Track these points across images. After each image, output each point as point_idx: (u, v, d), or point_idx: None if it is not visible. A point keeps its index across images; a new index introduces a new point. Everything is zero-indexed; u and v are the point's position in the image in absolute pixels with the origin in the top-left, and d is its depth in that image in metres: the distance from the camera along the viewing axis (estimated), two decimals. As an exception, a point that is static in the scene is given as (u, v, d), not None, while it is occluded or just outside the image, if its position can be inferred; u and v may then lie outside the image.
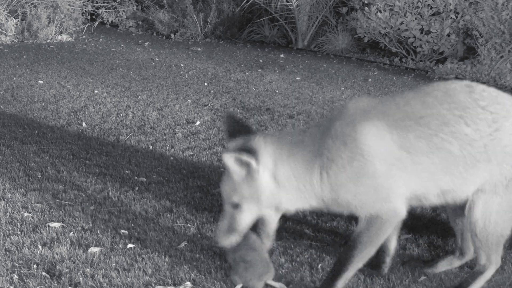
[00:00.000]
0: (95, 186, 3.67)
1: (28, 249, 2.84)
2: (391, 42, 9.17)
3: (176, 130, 4.96)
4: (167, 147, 4.52)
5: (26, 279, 2.58)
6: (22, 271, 2.65)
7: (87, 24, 10.55)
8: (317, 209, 2.63)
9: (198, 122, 5.20)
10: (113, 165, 4.05)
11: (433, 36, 8.68)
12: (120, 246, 2.93)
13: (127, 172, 3.94)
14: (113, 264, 2.75)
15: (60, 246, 2.87)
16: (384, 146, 2.39)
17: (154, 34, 10.84)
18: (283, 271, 2.78)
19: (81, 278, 2.61)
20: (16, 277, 2.60)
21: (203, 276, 2.67)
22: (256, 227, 2.68)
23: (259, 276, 2.58)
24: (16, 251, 2.82)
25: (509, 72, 7.35)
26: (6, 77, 6.62)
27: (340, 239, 3.13)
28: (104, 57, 8.28)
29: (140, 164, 4.11)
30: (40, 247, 2.86)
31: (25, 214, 3.22)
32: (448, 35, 8.62)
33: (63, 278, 2.61)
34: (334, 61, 9.07)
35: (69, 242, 2.93)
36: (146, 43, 9.79)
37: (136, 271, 2.69)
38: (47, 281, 2.58)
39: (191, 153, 4.42)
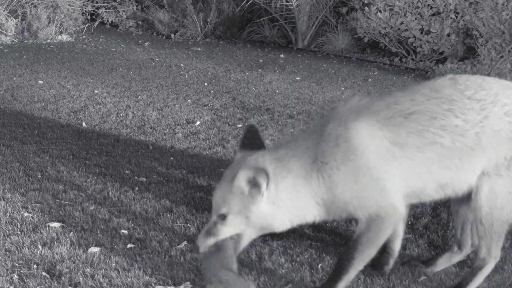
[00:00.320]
0: (95, 186, 3.67)
1: (28, 249, 2.84)
2: (391, 42, 9.17)
3: (176, 130, 4.96)
4: (167, 147, 4.52)
5: (26, 279, 2.58)
6: (22, 271, 2.65)
7: (87, 24, 10.55)
8: (317, 221, 2.60)
9: (198, 122, 5.20)
10: (113, 165, 4.05)
11: (433, 36, 8.68)
12: (120, 246, 2.93)
13: (127, 172, 3.94)
14: (113, 264, 2.75)
15: (60, 246, 2.87)
16: (377, 143, 2.41)
17: (154, 34, 10.84)
18: (283, 271, 2.78)
19: (81, 278, 2.61)
20: (16, 277, 2.60)
21: (202, 276, 2.67)
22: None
23: None
24: (16, 251, 2.82)
25: (509, 72, 7.35)
26: (6, 77, 6.62)
27: (340, 239, 3.13)
28: (104, 57, 8.28)
29: (140, 164, 4.11)
30: (40, 247, 2.86)
31: (25, 214, 3.22)
32: (448, 35, 8.62)
33: (63, 278, 2.61)
34: (334, 61, 9.08)
35: (69, 242, 2.93)
36: (146, 43, 9.79)
37: (136, 271, 2.69)
38: (47, 281, 2.58)
39: (191, 153, 4.42)
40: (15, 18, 9.39)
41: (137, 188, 3.66)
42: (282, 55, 9.27)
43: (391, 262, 2.80)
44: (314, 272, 2.78)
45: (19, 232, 3.01)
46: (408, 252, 3.04)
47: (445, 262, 2.85)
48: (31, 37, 9.34)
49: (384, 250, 2.75)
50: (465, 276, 2.66)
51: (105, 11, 11.09)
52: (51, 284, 2.57)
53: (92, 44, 9.41)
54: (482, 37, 8.06)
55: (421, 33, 8.76)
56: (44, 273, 2.63)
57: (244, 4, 10.15)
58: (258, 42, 10.52)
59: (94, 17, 11.04)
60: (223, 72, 7.62)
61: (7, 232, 3.01)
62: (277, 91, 6.59)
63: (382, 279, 2.73)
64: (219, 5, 10.53)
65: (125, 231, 3.08)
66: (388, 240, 2.70)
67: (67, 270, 2.67)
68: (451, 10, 8.50)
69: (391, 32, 8.97)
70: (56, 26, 9.61)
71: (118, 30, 11.07)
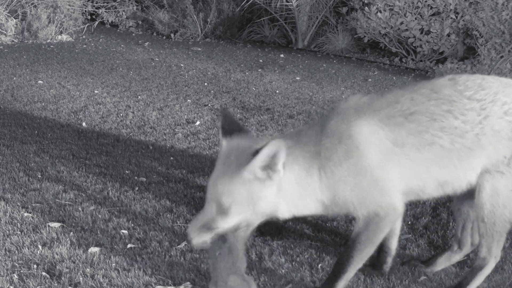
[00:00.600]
0: (95, 186, 3.67)
1: (28, 249, 2.84)
2: (391, 42, 9.17)
3: (176, 130, 4.96)
4: (167, 147, 4.52)
5: (26, 279, 2.58)
6: (22, 271, 2.65)
7: (87, 24, 10.55)
8: (315, 215, 2.59)
9: (198, 122, 5.20)
10: (113, 165, 4.06)
11: (433, 36, 8.68)
12: (120, 246, 2.93)
13: (127, 172, 3.94)
14: (113, 264, 2.75)
15: (60, 246, 2.87)
16: (378, 142, 2.41)
17: (154, 34, 10.84)
18: (283, 271, 2.78)
19: (81, 278, 2.61)
20: (16, 277, 2.60)
21: (203, 276, 2.67)
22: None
23: None
24: (16, 251, 2.82)
25: (509, 72, 7.35)
26: (6, 77, 6.62)
27: (340, 239, 3.14)
28: (104, 57, 8.28)
29: (140, 164, 4.11)
30: (40, 247, 2.86)
31: (25, 214, 3.22)
32: (448, 35, 8.62)
33: (63, 278, 2.60)
34: (334, 61, 9.08)
35: (69, 242, 2.93)
36: (146, 43, 9.79)
37: (136, 271, 2.69)
38: (47, 281, 2.58)
39: (191, 153, 4.42)
40: (15, 18, 9.39)
41: (137, 188, 3.66)
42: (282, 55, 9.27)
43: (390, 260, 2.80)
44: (314, 272, 2.78)
45: (19, 232, 3.01)
46: (408, 252, 3.04)
47: (445, 262, 2.85)
48: (31, 37, 9.34)
49: (382, 249, 2.75)
50: (465, 276, 2.66)
51: (105, 11, 11.09)
52: (51, 284, 2.57)
53: (92, 44, 9.42)
54: (482, 37, 8.06)
55: (421, 33, 8.77)
56: (44, 273, 2.63)
57: (244, 4, 10.15)
58: (258, 42, 10.52)
59: (94, 17, 11.04)
60: (223, 72, 7.62)
61: (7, 232, 3.01)
62: (277, 91, 6.59)
63: (382, 279, 2.73)
64: (219, 5, 10.53)
65: (125, 231, 3.08)
66: (385, 239, 2.69)
67: (67, 270, 2.67)
68: (451, 10, 8.50)
69: (391, 32, 8.97)
70: (56, 26, 9.61)
71: (118, 30, 11.07)
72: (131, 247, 2.92)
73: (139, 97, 6.00)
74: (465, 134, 2.41)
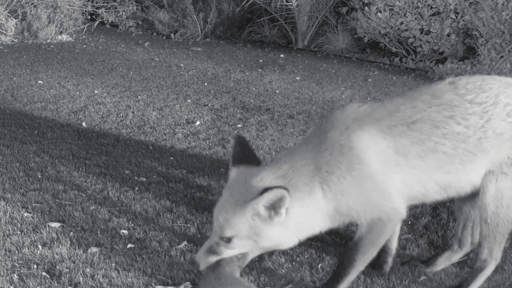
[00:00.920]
0: (95, 186, 3.67)
1: (28, 249, 2.84)
2: (391, 42, 9.17)
3: (176, 130, 4.96)
4: (167, 147, 4.52)
5: (26, 279, 2.58)
6: (22, 271, 2.65)
7: (87, 24, 10.55)
8: (322, 231, 2.55)
9: (198, 122, 5.20)
10: (113, 165, 4.05)
11: (433, 36, 8.68)
12: (120, 246, 2.93)
13: (127, 172, 3.94)
14: (113, 264, 2.75)
15: (60, 246, 2.87)
16: (381, 152, 2.39)
17: (154, 34, 10.84)
18: (283, 271, 2.78)
19: (81, 278, 2.61)
20: (16, 277, 2.60)
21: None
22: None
23: None
24: (16, 251, 2.82)
25: (509, 72, 7.35)
26: (6, 77, 6.62)
27: (340, 239, 3.13)
28: (104, 57, 8.28)
29: (140, 164, 4.11)
30: (40, 247, 2.86)
31: (25, 214, 3.22)
32: (448, 35, 8.62)
33: (63, 278, 2.61)
34: (334, 61, 9.07)
35: (69, 242, 2.93)
36: (146, 43, 9.79)
37: (136, 271, 2.69)
38: (47, 281, 2.58)
39: (191, 153, 4.42)
40: (15, 18, 9.40)
41: (137, 188, 3.66)
42: (282, 55, 9.27)
43: (390, 260, 2.80)
44: (314, 272, 2.78)
45: (19, 232, 3.01)
46: (408, 252, 3.04)
47: (445, 261, 2.85)
48: (31, 37, 9.34)
49: (382, 249, 2.75)
50: (466, 277, 2.66)
51: (105, 11, 11.09)
52: (51, 284, 2.57)
53: (92, 44, 9.42)
54: (482, 37, 8.06)
55: (421, 33, 8.76)
56: (44, 273, 2.63)
57: (244, 4, 10.15)
58: (258, 42, 10.52)
59: (94, 17, 11.04)
60: (223, 72, 7.62)
61: (7, 232, 3.01)
62: (277, 91, 6.59)
63: (382, 279, 2.73)
64: (219, 5, 10.53)
65: (125, 231, 3.08)
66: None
67: (67, 270, 2.67)
68: (451, 10, 8.49)
69: (391, 32, 8.97)
70: (56, 26, 9.61)
71: (118, 30, 11.07)
72: (131, 247, 2.92)
73: (139, 97, 6.00)
74: (467, 139, 2.39)
